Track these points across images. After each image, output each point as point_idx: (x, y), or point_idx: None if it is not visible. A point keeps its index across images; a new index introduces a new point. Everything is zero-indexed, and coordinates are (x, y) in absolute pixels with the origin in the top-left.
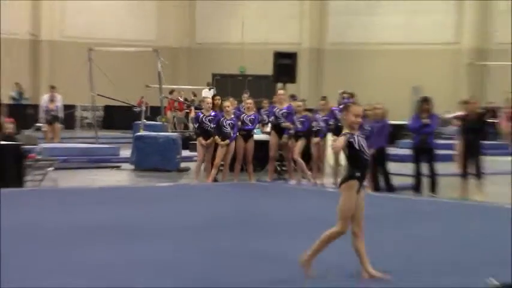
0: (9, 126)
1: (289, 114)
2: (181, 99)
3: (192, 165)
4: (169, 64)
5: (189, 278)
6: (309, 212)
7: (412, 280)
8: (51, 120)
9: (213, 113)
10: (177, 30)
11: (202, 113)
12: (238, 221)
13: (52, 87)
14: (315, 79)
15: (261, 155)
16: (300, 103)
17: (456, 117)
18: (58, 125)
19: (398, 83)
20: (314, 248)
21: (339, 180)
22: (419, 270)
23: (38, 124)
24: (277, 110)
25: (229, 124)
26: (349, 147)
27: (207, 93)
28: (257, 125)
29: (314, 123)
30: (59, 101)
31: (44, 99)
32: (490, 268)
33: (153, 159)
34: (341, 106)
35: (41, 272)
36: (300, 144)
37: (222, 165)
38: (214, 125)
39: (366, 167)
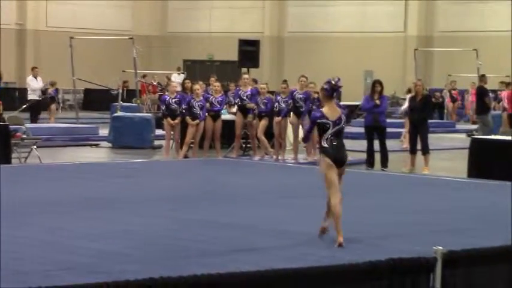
0: None
1: (253, 96)
2: (155, 83)
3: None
4: (143, 51)
5: (162, 246)
6: (271, 185)
7: (364, 247)
8: (49, 101)
9: (178, 96)
10: (151, 20)
11: (168, 96)
12: (207, 193)
13: (35, 68)
14: (276, 64)
15: (227, 133)
16: (264, 85)
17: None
18: (54, 106)
19: (352, 68)
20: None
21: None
22: (372, 238)
23: (24, 106)
24: (242, 92)
25: (198, 105)
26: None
27: (177, 77)
28: (224, 106)
29: (276, 104)
30: (40, 82)
31: (29, 79)
32: (436, 236)
33: (129, 137)
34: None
35: (29, 240)
36: (263, 124)
37: (192, 142)
38: (186, 106)
39: None
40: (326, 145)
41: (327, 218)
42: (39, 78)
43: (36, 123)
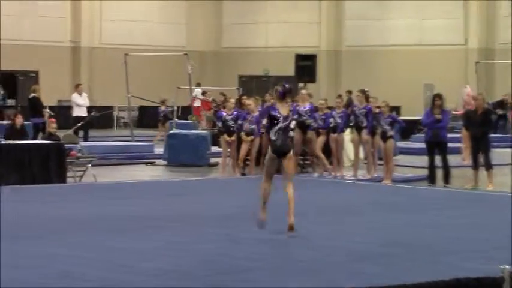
0: (53, 126)
1: (312, 112)
2: (210, 99)
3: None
4: (198, 67)
5: (217, 264)
6: (329, 202)
7: (426, 265)
8: (163, 120)
9: (235, 112)
10: (205, 36)
11: (225, 112)
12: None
13: (79, 84)
14: (333, 79)
15: None
16: (323, 101)
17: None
18: (168, 124)
19: (411, 81)
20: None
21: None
22: (434, 255)
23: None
24: (301, 108)
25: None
26: None
27: (199, 92)
28: None
29: (331, 120)
30: (86, 98)
31: (74, 96)
32: (501, 254)
33: (185, 155)
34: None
35: (81, 258)
36: (320, 140)
37: (248, 160)
38: (241, 122)
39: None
40: (274, 138)
41: (264, 210)
42: (84, 94)
43: (87, 140)
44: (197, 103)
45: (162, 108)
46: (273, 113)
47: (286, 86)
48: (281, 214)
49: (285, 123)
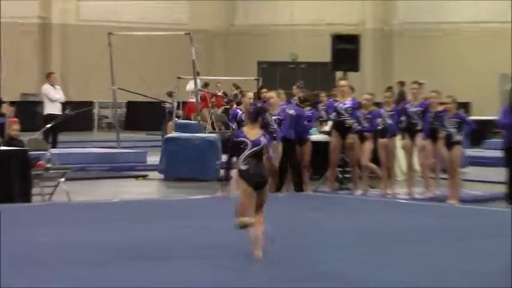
0: (15, 127)
1: (354, 110)
2: (219, 93)
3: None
4: (204, 51)
5: None
6: (377, 228)
7: None
8: (167, 118)
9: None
10: (214, 11)
11: (240, 110)
12: (288, 239)
13: (51, 73)
14: (381, 67)
15: (319, 159)
16: (369, 96)
17: None
18: (171, 124)
19: (483, 70)
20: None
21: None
22: None
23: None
24: (340, 104)
25: (275, 120)
26: None
27: (192, 85)
28: (314, 124)
29: (379, 120)
30: (60, 91)
31: (46, 88)
32: None
33: (187, 166)
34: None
35: None
36: (368, 147)
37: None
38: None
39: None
40: (244, 168)
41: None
42: (57, 86)
43: (55, 147)
44: (193, 99)
45: (167, 104)
46: (239, 138)
47: (259, 104)
48: (326, 243)
49: (254, 149)
